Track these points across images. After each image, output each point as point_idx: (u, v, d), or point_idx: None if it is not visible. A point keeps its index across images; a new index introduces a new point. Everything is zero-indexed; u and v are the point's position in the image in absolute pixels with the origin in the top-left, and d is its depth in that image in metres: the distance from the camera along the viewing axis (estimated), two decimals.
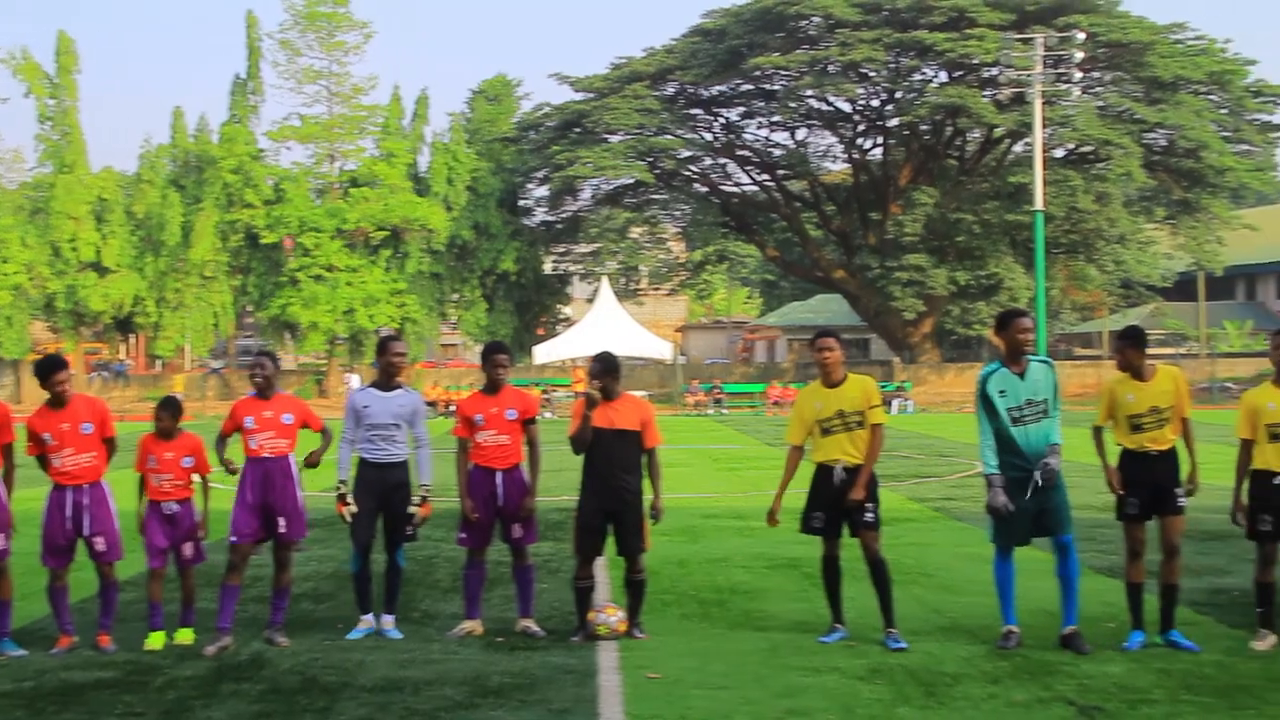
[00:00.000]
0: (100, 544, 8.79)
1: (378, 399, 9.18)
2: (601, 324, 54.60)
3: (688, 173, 61.14)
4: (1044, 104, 46.54)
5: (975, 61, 52.45)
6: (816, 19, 53.88)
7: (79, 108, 61.21)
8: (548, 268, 66.20)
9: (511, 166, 62.72)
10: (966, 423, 38.57)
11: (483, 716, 7.01)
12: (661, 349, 58.23)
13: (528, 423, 9.23)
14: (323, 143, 62.69)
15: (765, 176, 61.79)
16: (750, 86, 58.10)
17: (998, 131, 54.70)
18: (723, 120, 60.58)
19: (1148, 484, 8.47)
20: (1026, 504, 8.39)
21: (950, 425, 39.09)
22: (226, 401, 48.79)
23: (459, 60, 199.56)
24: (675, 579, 11.28)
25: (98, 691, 7.63)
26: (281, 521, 8.94)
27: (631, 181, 58.50)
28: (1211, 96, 55.53)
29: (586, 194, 61.86)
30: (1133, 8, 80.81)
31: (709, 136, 60.36)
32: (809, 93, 55.61)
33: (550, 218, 64.45)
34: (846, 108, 57.75)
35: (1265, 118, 57.06)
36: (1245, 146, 56.44)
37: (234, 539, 8.94)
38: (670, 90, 58.30)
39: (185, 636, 8.88)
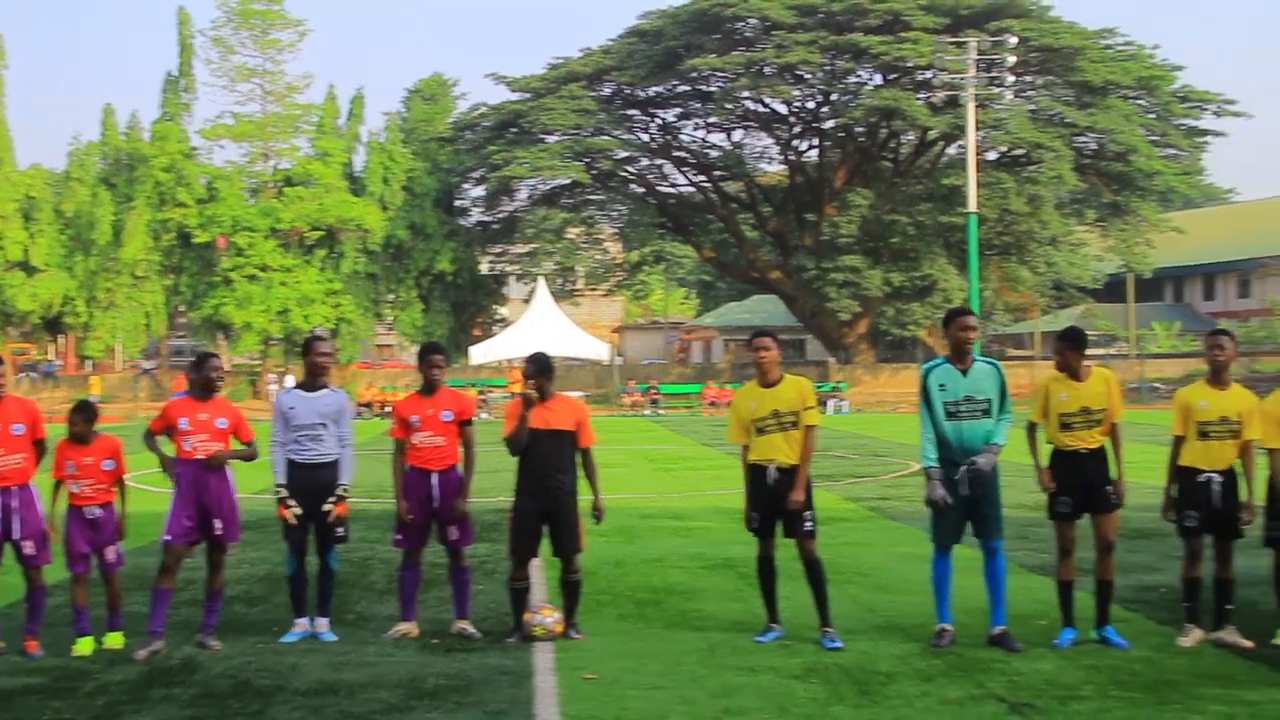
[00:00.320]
0: (29, 548, 8.63)
1: (303, 400, 9.11)
2: (538, 324, 54.59)
3: (624, 173, 61.11)
4: (977, 107, 47.01)
5: (910, 64, 52.88)
6: (753, 21, 54.14)
7: (5, 104, 60.61)
8: (484, 268, 66.02)
9: (448, 166, 62.46)
10: (901, 423, 38.92)
11: (418, 719, 6.98)
12: (598, 349, 58.31)
13: (464, 424, 9.21)
14: (257, 141, 62.06)
15: (702, 177, 61.95)
16: (687, 88, 58.25)
17: (932, 134, 55.27)
18: (659, 121, 60.69)
19: (1079, 483, 8.56)
20: (959, 500, 8.48)
21: (885, 425, 39.38)
22: (158, 403, 48.09)
23: (395, 59, 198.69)
24: (611, 579, 11.28)
25: (25, 698, 7.50)
26: (217, 524, 8.84)
27: (568, 182, 58.47)
28: (1140, 101, 56.42)
29: (523, 194, 61.78)
30: (1064, 13, 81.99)
31: (646, 137, 60.44)
32: (745, 94, 55.87)
33: (487, 218, 64.25)
34: (782, 109, 58.10)
35: (1192, 123, 58.02)
36: (1173, 151, 57.33)
37: (167, 538, 8.81)
38: (607, 91, 58.32)
39: (115, 641, 8.75)
